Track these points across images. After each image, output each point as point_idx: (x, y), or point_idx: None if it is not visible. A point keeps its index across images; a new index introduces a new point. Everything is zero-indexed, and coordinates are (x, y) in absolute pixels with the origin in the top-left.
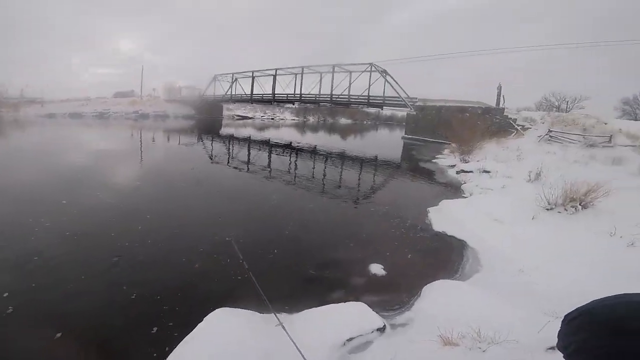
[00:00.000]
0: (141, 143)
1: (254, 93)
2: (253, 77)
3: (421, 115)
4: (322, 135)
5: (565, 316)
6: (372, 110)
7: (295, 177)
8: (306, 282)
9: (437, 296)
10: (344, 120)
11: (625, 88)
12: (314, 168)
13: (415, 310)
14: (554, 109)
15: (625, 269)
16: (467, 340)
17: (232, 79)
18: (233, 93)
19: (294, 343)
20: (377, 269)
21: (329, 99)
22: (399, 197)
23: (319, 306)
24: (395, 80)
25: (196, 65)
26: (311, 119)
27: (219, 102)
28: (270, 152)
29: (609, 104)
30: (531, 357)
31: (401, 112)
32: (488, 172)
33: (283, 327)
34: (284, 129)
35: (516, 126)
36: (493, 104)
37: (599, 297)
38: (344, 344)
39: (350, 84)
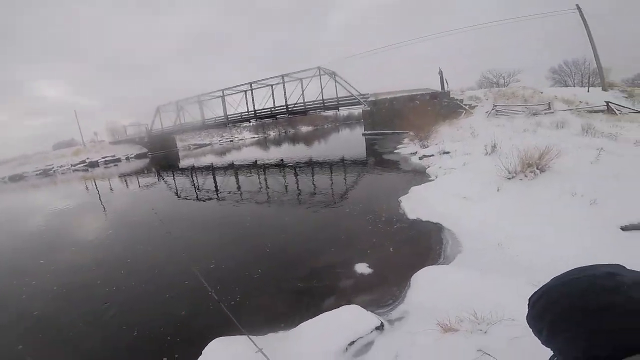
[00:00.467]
0: (99, 194)
1: (205, 118)
2: (200, 102)
3: (375, 109)
4: (285, 147)
5: (529, 299)
6: (329, 113)
7: (267, 194)
8: (296, 296)
9: (426, 284)
10: (304, 128)
11: (552, 58)
12: (284, 181)
13: (408, 302)
14: (494, 85)
15: (593, 227)
16: (466, 323)
17: (178, 107)
18: (182, 122)
19: None
20: (362, 268)
21: (284, 109)
22: (370, 193)
23: (313, 317)
24: (345, 80)
25: (134, 101)
26: (272, 134)
27: (169, 135)
28: (236, 175)
29: (540, 75)
30: (530, 332)
31: (357, 110)
32: (448, 152)
33: (263, 353)
34: (246, 149)
35: (464, 106)
36: (439, 89)
37: (568, 269)
38: (346, 349)
39: (303, 91)
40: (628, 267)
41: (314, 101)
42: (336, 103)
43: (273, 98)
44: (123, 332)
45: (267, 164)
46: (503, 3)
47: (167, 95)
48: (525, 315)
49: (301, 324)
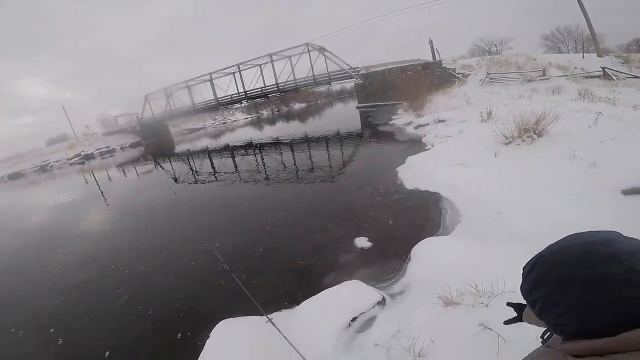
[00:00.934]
0: (99, 185)
1: (195, 103)
2: (188, 87)
3: (367, 82)
4: (280, 125)
5: (523, 269)
6: (322, 88)
7: (264, 173)
8: (297, 274)
9: (426, 257)
10: (298, 105)
11: (543, 25)
12: (281, 159)
13: (409, 275)
14: (486, 53)
15: (594, 190)
16: (467, 297)
17: (166, 94)
18: (172, 108)
19: (284, 336)
20: (362, 242)
21: (275, 88)
22: (367, 165)
23: (316, 294)
24: (335, 55)
25: (123, 91)
26: (265, 113)
27: (161, 122)
28: (233, 156)
29: (532, 42)
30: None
31: (349, 84)
32: (443, 121)
33: (272, 323)
34: (240, 129)
35: (457, 75)
36: (430, 59)
37: (565, 236)
38: (349, 325)
39: (292, 68)
40: (632, 233)
41: (304, 78)
42: (327, 78)
43: (263, 78)
44: (137, 310)
45: (262, 143)
46: None
47: (156, 84)
48: (519, 286)
49: (303, 302)
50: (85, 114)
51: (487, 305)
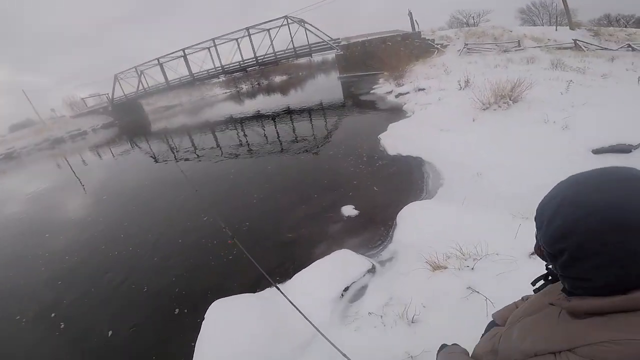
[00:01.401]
0: (74, 170)
1: (169, 80)
2: (161, 64)
3: (348, 53)
4: (260, 99)
5: (540, 217)
6: (303, 60)
7: (247, 147)
8: (287, 247)
9: (411, 222)
10: (279, 78)
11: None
12: (264, 132)
13: (397, 242)
14: (464, 25)
15: (567, 151)
16: (453, 260)
17: (137, 72)
18: (145, 87)
19: (292, 303)
20: (349, 210)
21: (254, 62)
22: (350, 133)
23: (307, 266)
24: (315, 27)
25: (89, 72)
26: (244, 87)
27: (134, 101)
28: (213, 132)
29: (509, 15)
30: (516, 266)
31: (331, 55)
32: (423, 89)
33: (278, 288)
34: (219, 104)
35: (436, 45)
36: (410, 30)
37: (561, 181)
38: (342, 296)
39: (271, 41)
40: None
41: (284, 50)
42: (308, 50)
43: (240, 52)
44: (132, 289)
45: (243, 117)
46: None
47: (125, 63)
48: (539, 233)
49: (295, 275)
50: (49, 98)
51: (472, 269)
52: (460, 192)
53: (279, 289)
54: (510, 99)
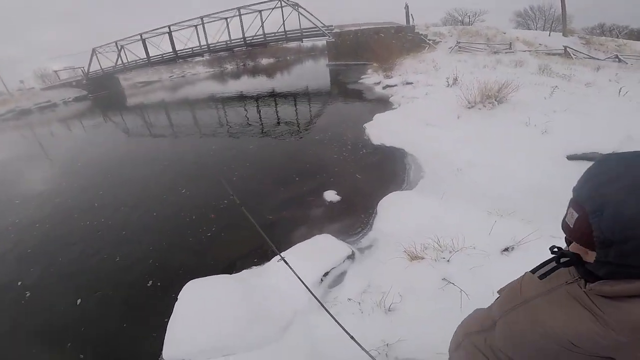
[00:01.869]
0: (40, 141)
1: (150, 56)
2: (143, 40)
3: (340, 41)
4: (245, 80)
5: (595, 200)
6: (292, 44)
7: (228, 126)
8: (267, 229)
9: (391, 211)
10: (265, 61)
11: (517, 2)
12: (246, 113)
13: (377, 229)
14: (459, 23)
15: (545, 154)
16: (430, 251)
17: (117, 47)
18: (124, 62)
19: (296, 274)
20: (331, 195)
21: (242, 42)
22: (335, 121)
23: (286, 249)
24: (309, 12)
25: (64, 45)
26: (229, 67)
27: (111, 75)
28: (192, 109)
29: (505, 17)
30: (489, 261)
31: (321, 42)
32: (411, 83)
33: (285, 261)
34: (201, 83)
35: (428, 41)
36: (404, 23)
37: (616, 156)
38: (322, 281)
39: (262, 22)
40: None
41: (275, 33)
42: (299, 35)
43: (229, 31)
44: (104, 259)
45: (225, 97)
46: None
47: (105, 37)
48: (593, 217)
49: (274, 258)
50: (19, 69)
51: (448, 261)
52: (441, 185)
53: (285, 261)
54: (495, 100)
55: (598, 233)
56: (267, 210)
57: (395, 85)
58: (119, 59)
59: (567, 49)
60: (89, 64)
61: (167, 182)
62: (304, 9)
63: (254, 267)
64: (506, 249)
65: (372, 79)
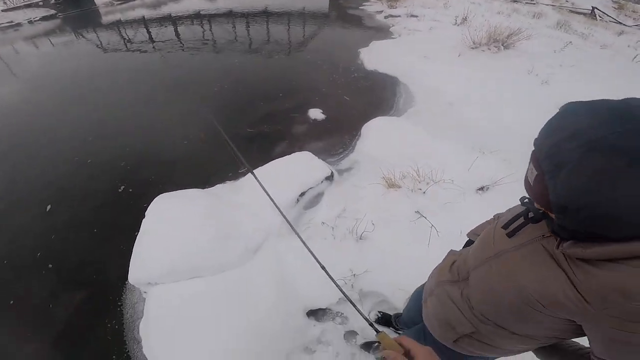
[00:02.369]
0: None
1: None
2: None
3: None
4: None
5: (552, 157)
6: None
7: (213, 42)
8: (244, 142)
9: (376, 135)
10: None
11: None
12: (234, 30)
13: (358, 152)
14: None
15: (539, 103)
16: (408, 181)
17: None
18: None
19: (264, 189)
20: (316, 113)
21: None
22: (329, 44)
23: (263, 164)
24: None
25: None
26: None
27: None
28: (175, 26)
29: None
30: (464, 197)
31: None
32: (416, 16)
33: (252, 174)
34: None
35: None
36: None
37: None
38: (297, 201)
39: None
40: None
41: None
42: None
43: None
44: (76, 162)
45: (213, 14)
46: None
47: None
48: (549, 178)
49: (249, 174)
50: None
51: (424, 192)
52: (429, 116)
53: (254, 175)
54: (502, 45)
55: (553, 197)
56: (246, 123)
57: (399, 16)
58: None
59: (595, 10)
60: None
61: (143, 94)
62: None
63: (228, 182)
64: (481, 188)
65: (374, 7)
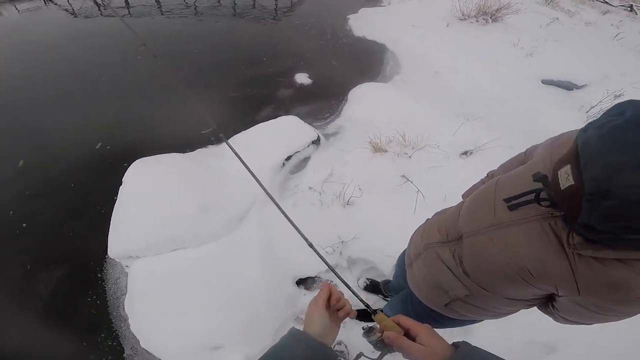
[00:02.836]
0: None
1: None
2: None
3: None
4: None
5: (602, 181)
6: None
7: (195, 7)
8: (227, 106)
9: (362, 100)
10: None
11: None
12: None
13: (345, 117)
14: None
15: (523, 74)
16: (394, 145)
17: None
18: None
19: (238, 155)
20: (303, 78)
21: None
22: (318, 10)
23: (247, 128)
24: None
25: None
26: None
27: None
28: None
29: None
30: (448, 162)
31: None
32: None
33: (227, 143)
34: None
35: None
36: None
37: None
38: (283, 165)
39: None
40: (543, 112)
41: None
42: None
43: None
44: (50, 119)
45: None
46: None
47: None
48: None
49: (234, 136)
50: None
51: (410, 157)
52: (415, 84)
53: (228, 143)
54: (490, 17)
55: (585, 219)
56: (229, 86)
57: None
58: None
59: None
60: None
61: (120, 57)
62: None
63: (211, 146)
64: (465, 153)
65: None
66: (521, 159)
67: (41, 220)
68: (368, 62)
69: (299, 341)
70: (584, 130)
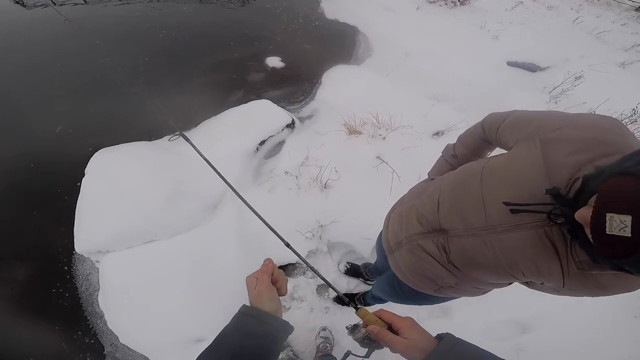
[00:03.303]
0: None
1: None
2: None
3: None
4: None
5: None
6: None
7: None
8: (195, 92)
9: (336, 83)
10: None
11: None
12: None
13: (319, 100)
14: None
15: (490, 56)
16: (369, 127)
17: None
18: None
19: (199, 152)
20: (275, 62)
21: None
22: None
23: (217, 114)
24: None
25: None
26: None
27: None
28: None
29: None
30: (421, 142)
31: None
32: None
33: (186, 138)
34: None
35: None
36: None
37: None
38: (257, 150)
39: None
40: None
41: None
42: None
43: None
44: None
45: None
46: None
47: None
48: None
49: (203, 122)
50: None
51: (384, 138)
52: (387, 65)
53: (187, 138)
54: (458, 0)
55: (622, 264)
56: (197, 71)
57: None
58: None
59: None
60: None
61: (84, 46)
62: None
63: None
64: (437, 133)
65: None
66: (479, 133)
67: None
68: (340, 44)
69: (262, 323)
70: None
